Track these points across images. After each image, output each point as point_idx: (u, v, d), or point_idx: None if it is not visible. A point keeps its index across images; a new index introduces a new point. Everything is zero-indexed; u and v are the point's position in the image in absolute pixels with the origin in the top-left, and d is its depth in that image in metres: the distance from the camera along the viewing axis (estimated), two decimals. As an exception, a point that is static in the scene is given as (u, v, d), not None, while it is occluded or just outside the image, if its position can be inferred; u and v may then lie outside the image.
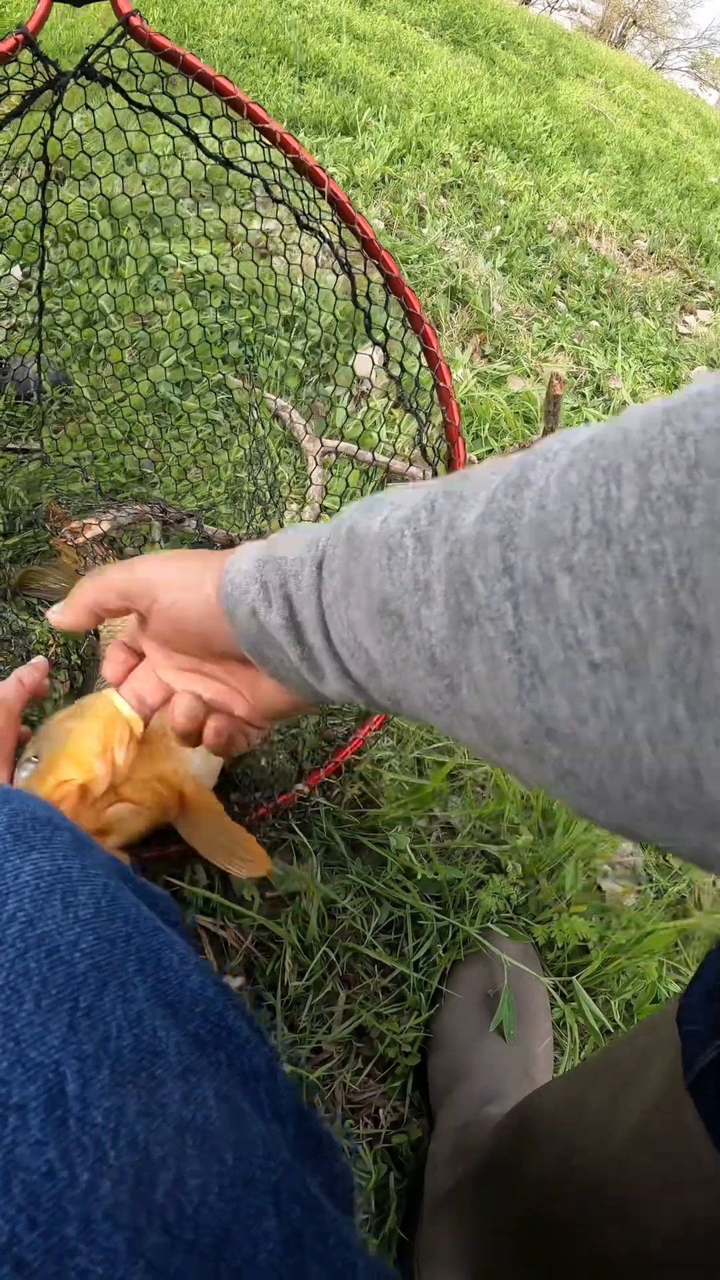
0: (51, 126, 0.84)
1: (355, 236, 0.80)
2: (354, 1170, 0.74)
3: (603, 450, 0.28)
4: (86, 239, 1.08)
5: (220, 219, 0.98)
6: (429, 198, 2.46)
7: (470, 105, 3.58)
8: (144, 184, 0.96)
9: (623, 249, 2.91)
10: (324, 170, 0.79)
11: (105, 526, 0.94)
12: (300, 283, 0.95)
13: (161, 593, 0.50)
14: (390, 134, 2.75)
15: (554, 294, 2.35)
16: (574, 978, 0.88)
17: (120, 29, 0.73)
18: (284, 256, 0.96)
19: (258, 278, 1.02)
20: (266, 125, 0.78)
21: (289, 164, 0.80)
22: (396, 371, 0.84)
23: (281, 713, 0.54)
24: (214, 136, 0.80)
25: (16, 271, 1.49)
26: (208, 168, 0.84)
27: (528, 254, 2.48)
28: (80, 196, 0.95)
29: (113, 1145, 0.27)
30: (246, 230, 0.93)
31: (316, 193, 0.80)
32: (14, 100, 0.79)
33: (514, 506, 0.31)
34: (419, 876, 0.87)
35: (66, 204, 0.90)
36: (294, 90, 3.03)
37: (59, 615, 0.55)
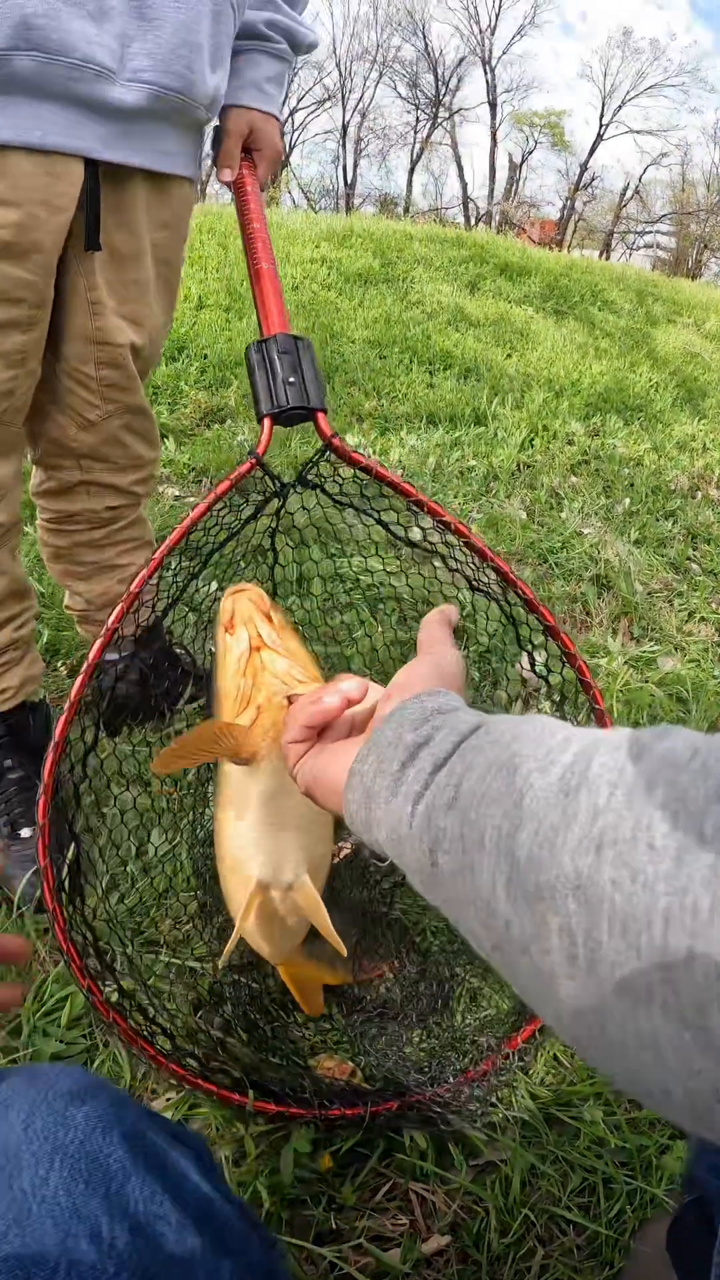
0: (278, 524, 1.10)
1: (519, 596, 1.00)
2: None
3: None
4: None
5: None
6: (561, 481, 2.74)
7: (581, 375, 3.99)
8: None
9: (744, 495, 3.11)
10: (467, 527, 1.01)
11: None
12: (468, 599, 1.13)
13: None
14: (518, 420, 3.10)
15: (687, 558, 2.51)
16: (761, 1242, 0.93)
17: (324, 447, 0.97)
18: (448, 573, 1.17)
19: (426, 588, 1.21)
20: (444, 518, 1.00)
21: (461, 544, 1.02)
22: (543, 671, 1.03)
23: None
24: (400, 525, 1.04)
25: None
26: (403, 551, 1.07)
27: (657, 520, 2.67)
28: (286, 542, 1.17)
29: None
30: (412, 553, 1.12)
31: (485, 563, 1.01)
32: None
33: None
34: (610, 1145, 0.97)
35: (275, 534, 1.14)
36: (427, 385, 3.48)
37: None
